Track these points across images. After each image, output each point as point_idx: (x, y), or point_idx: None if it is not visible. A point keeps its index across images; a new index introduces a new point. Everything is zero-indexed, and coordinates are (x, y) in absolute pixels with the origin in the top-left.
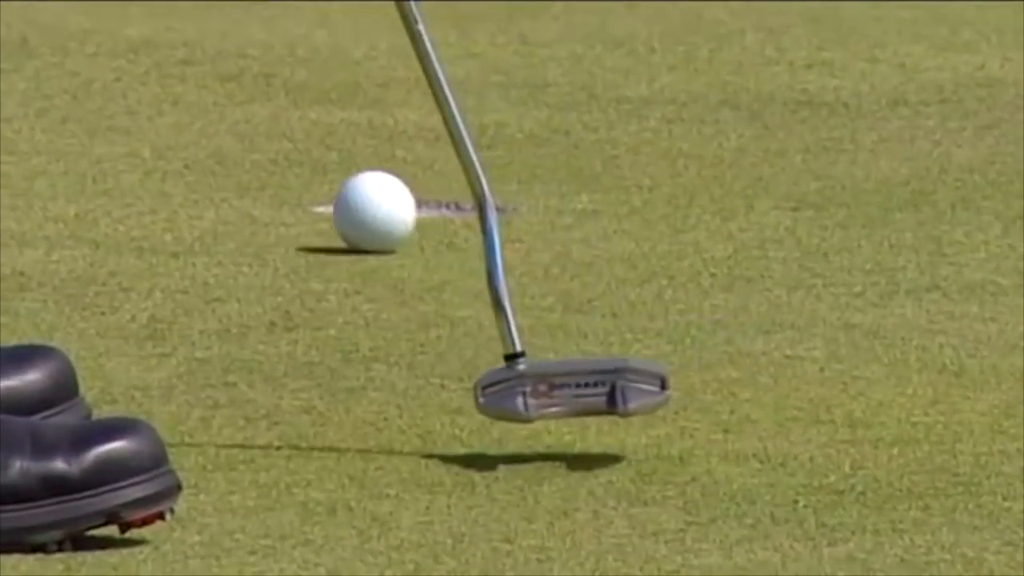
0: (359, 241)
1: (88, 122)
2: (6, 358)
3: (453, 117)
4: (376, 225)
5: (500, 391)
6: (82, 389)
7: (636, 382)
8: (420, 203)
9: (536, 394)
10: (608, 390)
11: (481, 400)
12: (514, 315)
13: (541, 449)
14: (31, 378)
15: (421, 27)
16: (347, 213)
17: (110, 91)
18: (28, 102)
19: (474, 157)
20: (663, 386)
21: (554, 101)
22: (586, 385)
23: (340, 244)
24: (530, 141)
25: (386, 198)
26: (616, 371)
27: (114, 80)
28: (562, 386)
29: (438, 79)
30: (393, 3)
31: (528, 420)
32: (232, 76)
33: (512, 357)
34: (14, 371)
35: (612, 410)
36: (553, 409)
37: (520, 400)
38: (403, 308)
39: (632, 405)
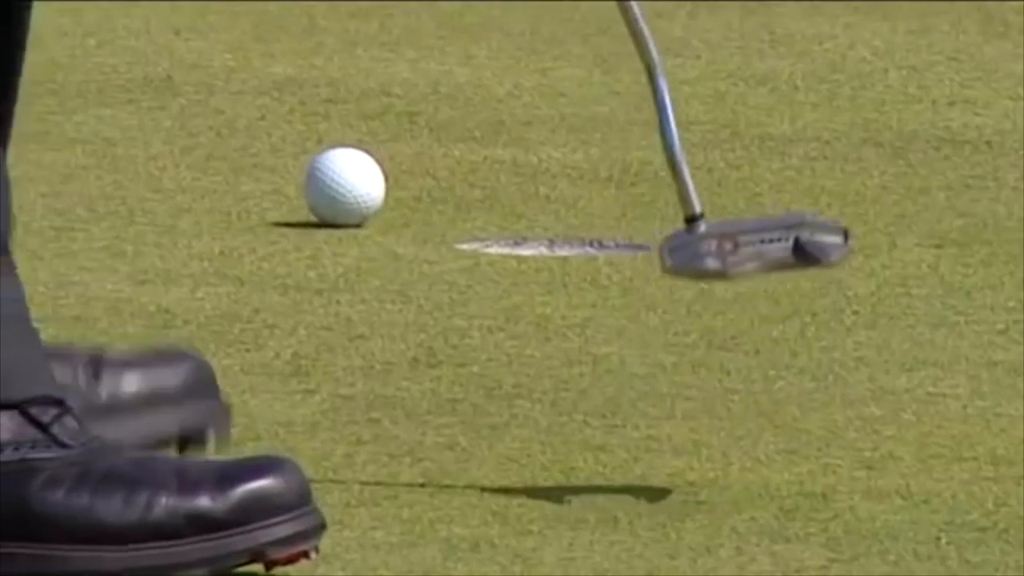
0: (332, 216)
1: (233, 160)
2: (145, 357)
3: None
4: (347, 199)
5: (687, 253)
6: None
7: (819, 234)
8: (561, 240)
9: (722, 252)
10: (792, 244)
11: (669, 263)
12: (691, 177)
13: (683, 485)
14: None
15: None
16: (319, 188)
17: (255, 129)
18: (173, 140)
19: (643, 26)
20: (846, 237)
21: (697, 139)
22: (770, 241)
23: (484, 280)
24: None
25: (355, 173)
26: (797, 225)
27: (259, 118)
28: (747, 244)
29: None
30: (537, 43)
31: (727, 277)
32: (376, 114)
33: (692, 220)
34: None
35: (802, 262)
36: (747, 265)
37: (711, 259)
38: (546, 345)
39: (826, 257)
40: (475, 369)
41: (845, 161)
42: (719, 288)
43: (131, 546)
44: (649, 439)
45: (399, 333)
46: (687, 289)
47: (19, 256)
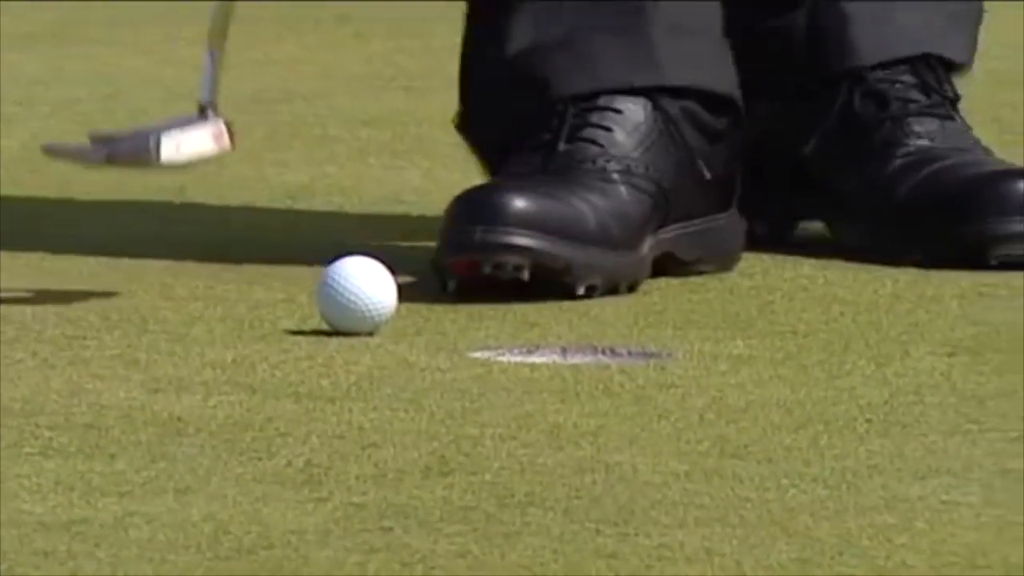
0: (344, 324)
1: (246, 268)
2: None
3: None
4: (359, 308)
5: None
6: None
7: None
8: (573, 348)
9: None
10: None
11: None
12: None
13: None
14: None
15: None
16: (331, 297)
17: (267, 237)
18: (186, 248)
19: None
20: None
21: None
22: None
23: (497, 388)
24: (685, 287)
25: (367, 281)
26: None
27: (271, 227)
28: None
29: None
30: None
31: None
32: (389, 223)
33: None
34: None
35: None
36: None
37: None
38: (559, 453)
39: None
40: (487, 477)
41: (857, 270)
42: (731, 396)
43: None
44: (662, 547)
45: (411, 441)
46: (699, 397)
47: (32, 364)
